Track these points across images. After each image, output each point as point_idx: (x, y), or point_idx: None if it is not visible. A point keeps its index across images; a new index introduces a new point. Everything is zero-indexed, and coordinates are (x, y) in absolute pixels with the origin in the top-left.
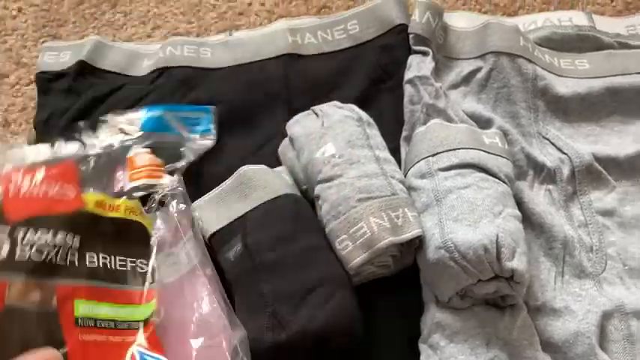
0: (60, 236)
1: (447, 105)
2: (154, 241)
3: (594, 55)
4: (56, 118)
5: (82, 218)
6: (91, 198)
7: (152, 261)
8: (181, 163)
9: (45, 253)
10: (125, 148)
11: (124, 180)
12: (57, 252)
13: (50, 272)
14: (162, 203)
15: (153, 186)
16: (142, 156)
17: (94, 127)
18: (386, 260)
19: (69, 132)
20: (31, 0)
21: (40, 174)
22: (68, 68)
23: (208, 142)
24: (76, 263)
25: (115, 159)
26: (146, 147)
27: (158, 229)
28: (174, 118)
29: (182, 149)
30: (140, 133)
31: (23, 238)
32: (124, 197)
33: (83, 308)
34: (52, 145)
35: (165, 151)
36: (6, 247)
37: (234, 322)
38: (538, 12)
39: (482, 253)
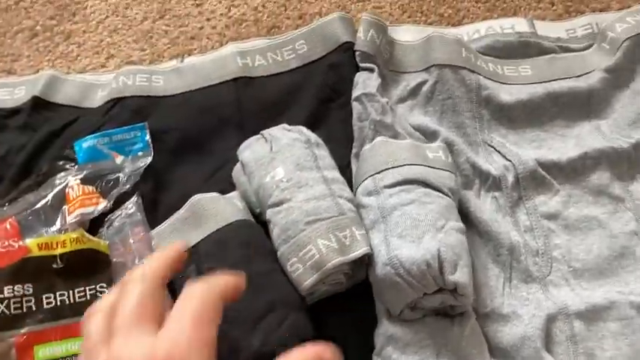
0: (8, 289)
1: (394, 120)
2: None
3: (536, 61)
4: (13, 154)
5: (29, 265)
6: (34, 243)
7: (111, 283)
8: (121, 189)
9: None
10: (64, 187)
11: (65, 215)
12: (8, 305)
13: (6, 325)
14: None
15: (90, 213)
16: (74, 189)
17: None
18: (338, 278)
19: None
20: None
21: None
22: (23, 104)
23: (146, 158)
24: (34, 308)
25: (57, 201)
26: (83, 178)
27: (116, 250)
28: (108, 144)
29: (118, 174)
30: (75, 167)
31: None
32: (68, 231)
33: (43, 352)
34: None
35: (104, 179)
36: None
37: None
38: (482, 20)
39: (425, 268)
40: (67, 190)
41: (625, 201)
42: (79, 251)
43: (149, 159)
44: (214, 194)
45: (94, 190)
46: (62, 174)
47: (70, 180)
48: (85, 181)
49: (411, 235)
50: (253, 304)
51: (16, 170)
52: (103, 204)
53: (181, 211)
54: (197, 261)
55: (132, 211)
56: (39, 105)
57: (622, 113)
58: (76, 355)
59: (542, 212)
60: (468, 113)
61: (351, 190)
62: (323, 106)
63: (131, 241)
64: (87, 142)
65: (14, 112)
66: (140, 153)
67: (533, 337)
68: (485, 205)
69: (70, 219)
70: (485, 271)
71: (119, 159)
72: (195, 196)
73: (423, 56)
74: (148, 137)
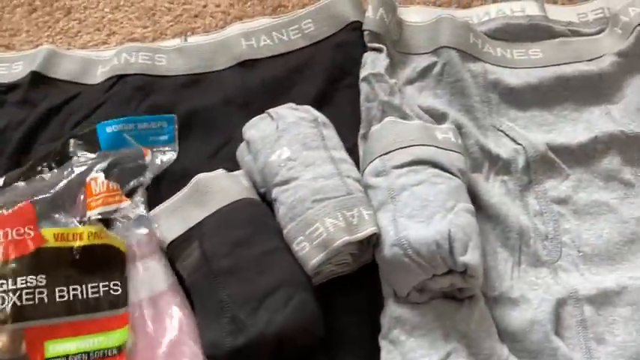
0: (21, 280)
1: (402, 101)
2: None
3: (547, 44)
4: (12, 130)
5: (44, 255)
6: (50, 233)
7: (125, 281)
8: (142, 181)
9: (7, 299)
10: (85, 172)
11: (84, 206)
12: (20, 296)
13: (17, 317)
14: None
15: (113, 212)
16: (97, 182)
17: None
18: (345, 259)
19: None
20: None
21: None
22: (21, 79)
23: (171, 154)
24: (46, 301)
25: (75, 184)
26: (106, 166)
27: (129, 246)
28: (133, 132)
29: (142, 166)
30: (96, 155)
31: None
32: (87, 223)
33: (53, 348)
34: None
35: (126, 168)
36: None
37: None
38: (492, 3)
39: (434, 249)
40: (89, 179)
41: (635, 186)
42: (97, 246)
43: (174, 155)
44: (219, 172)
45: (118, 188)
46: (83, 158)
47: (94, 170)
48: (107, 170)
49: (420, 215)
50: (258, 283)
51: (15, 146)
52: (125, 203)
53: (185, 190)
54: (200, 239)
55: (140, 208)
56: (38, 80)
57: (632, 98)
58: (87, 352)
59: (552, 197)
60: (477, 97)
61: (359, 171)
62: (330, 87)
63: (135, 239)
64: (111, 127)
65: (12, 87)
66: (166, 147)
67: (543, 321)
68: (494, 189)
69: (92, 214)
70: (494, 255)
71: (148, 156)
72: (199, 174)
73: (432, 38)
74: (175, 132)
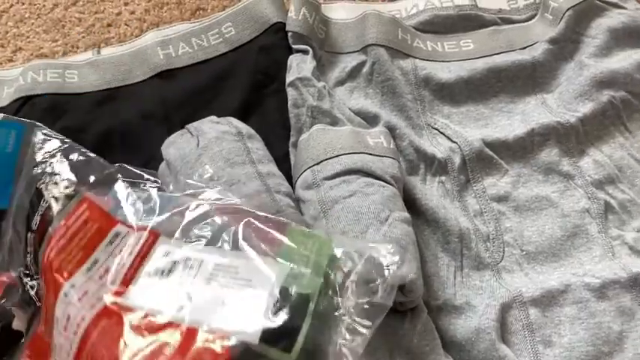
0: None
1: (333, 105)
2: None
3: (478, 34)
4: None
5: None
6: None
7: None
8: None
9: None
10: None
11: None
12: None
13: None
14: None
15: None
16: None
17: None
18: None
19: None
20: None
21: None
22: None
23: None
24: None
25: None
26: None
27: None
28: None
29: None
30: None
31: None
32: None
33: None
34: None
35: None
36: None
37: None
38: None
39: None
40: None
41: (575, 178)
42: None
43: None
44: None
45: None
46: None
47: None
48: None
49: (353, 230)
50: None
51: None
52: None
53: None
54: None
55: None
56: None
57: (567, 86)
58: None
59: (492, 195)
60: (409, 95)
61: (291, 182)
62: (255, 93)
63: None
64: None
65: None
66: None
67: (489, 328)
68: (431, 191)
69: None
70: (434, 261)
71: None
72: None
73: (359, 35)
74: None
